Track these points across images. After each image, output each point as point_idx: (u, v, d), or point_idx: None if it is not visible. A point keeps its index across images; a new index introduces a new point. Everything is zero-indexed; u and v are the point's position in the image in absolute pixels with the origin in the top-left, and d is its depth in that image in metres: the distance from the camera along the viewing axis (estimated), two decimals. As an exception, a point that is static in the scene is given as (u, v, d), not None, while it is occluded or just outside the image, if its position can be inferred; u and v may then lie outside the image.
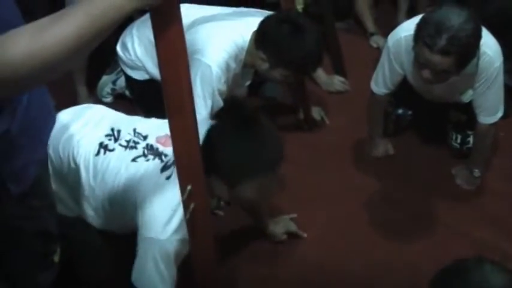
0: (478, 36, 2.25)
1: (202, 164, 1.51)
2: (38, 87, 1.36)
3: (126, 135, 1.96)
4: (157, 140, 1.93)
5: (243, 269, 2.43)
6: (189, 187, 1.48)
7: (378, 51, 3.53)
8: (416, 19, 2.40)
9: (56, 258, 1.64)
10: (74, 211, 1.99)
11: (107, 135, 1.97)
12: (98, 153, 1.92)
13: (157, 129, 1.96)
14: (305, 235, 2.55)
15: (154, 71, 2.47)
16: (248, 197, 1.88)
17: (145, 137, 1.95)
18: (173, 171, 1.80)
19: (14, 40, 1.02)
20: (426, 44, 2.20)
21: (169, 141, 1.85)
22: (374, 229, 2.60)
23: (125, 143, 1.94)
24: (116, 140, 1.95)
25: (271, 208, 2.58)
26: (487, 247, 2.46)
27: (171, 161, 1.83)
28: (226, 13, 2.54)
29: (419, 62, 2.31)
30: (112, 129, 1.98)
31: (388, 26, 3.09)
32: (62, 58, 1.04)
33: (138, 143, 1.93)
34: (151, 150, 1.90)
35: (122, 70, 2.72)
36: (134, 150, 1.91)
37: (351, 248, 2.50)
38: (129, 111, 2.31)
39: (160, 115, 1.72)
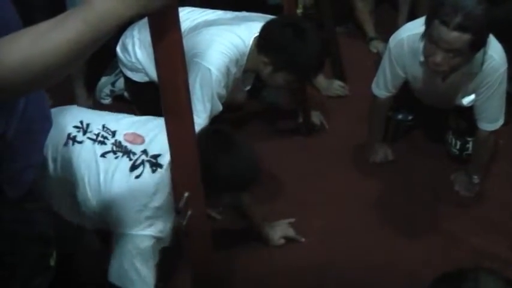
0: (488, 22, 2.25)
1: (199, 170, 1.50)
2: (36, 92, 1.35)
3: (94, 129, 1.98)
4: (125, 137, 1.96)
5: (241, 274, 2.42)
6: (186, 194, 1.47)
7: (378, 55, 3.52)
8: (418, 21, 2.40)
9: (52, 262, 1.63)
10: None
11: (75, 127, 1.99)
12: (66, 144, 1.94)
13: (126, 126, 2.01)
14: (303, 239, 2.55)
15: (155, 75, 2.46)
16: (225, 202, 2.03)
17: (113, 133, 1.98)
18: (143, 170, 1.87)
19: (13, 44, 1.01)
20: (443, 21, 2.19)
21: (138, 139, 1.94)
22: (372, 235, 2.59)
23: (93, 136, 1.96)
24: (84, 132, 1.98)
25: (268, 212, 2.58)
26: (486, 254, 2.46)
27: (139, 161, 1.89)
28: (228, 17, 2.54)
29: (430, 47, 2.29)
30: (81, 122, 2.00)
31: (388, 30, 3.07)
32: (60, 63, 1.04)
33: (106, 138, 1.96)
34: (120, 148, 1.93)
35: (121, 72, 2.72)
36: (103, 145, 1.94)
37: (349, 253, 2.50)
38: (127, 113, 2.30)
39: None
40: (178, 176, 1.50)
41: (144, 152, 1.91)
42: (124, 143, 1.95)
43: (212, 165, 1.79)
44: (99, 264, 2.13)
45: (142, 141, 1.94)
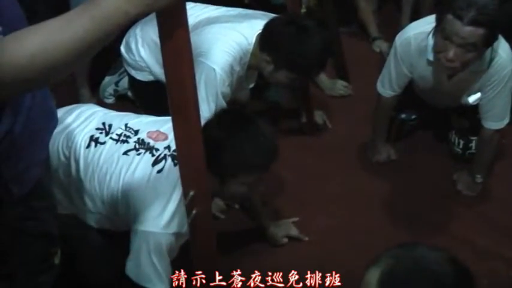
0: (502, 15, 2.26)
1: (205, 169, 1.50)
2: (41, 89, 1.36)
3: (117, 129, 1.99)
4: (149, 134, 1.96)
5: (244, 272, 2.42)
6: (191, 192, 1.47)
7: (381, 55, 3.53)
8: (424, 19, 2.40)
9: (57, 260, 1.63)
10: (66, 207, 1.99)
11: (97, 129, 1.99)
12: (88, 146, 1.94)
13: (148, 125, 2.00)
14: (306, 238, 2.55)
15: (158, 71, 2.46)
16: (238, 192, 1.93)
17: (136, 132, 1.98)
18: (164, 164, 1.86)
19: (22, 42, 1.02)
20: (457, 15, 2.18)
21: (161, 136, 1.92)
22: (375, 234, 2.59)
23: (116, 137, 1.96)
24: (107, 133, 1.98)
25: (272, 211, 2.59)
26: (489, 253, 2.46)
27: (162, 155, 1.88)
28: (231, 14, 2.53)
29: (443, 42, 2.27)
30: (103, 123, 2.01)
31: (391, 30, 3.08)
32: (67, 60, 1.05)
33: (129, 137, 1.96)
34: (143, 145, 1.93)
35: (126, 71, 2.72)
36: (126, 144, 1.94)
37: (352, 252, 2.49)
38: (131, 112, 2.31)
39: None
40: (184, 174, 1.50)
41: (168, 147, 1.91)
42: (147, 140, 1.94)
43: (227, 143, 1.78)
44: (104, 263, 2.14)
45: (166, 138, 1.94)
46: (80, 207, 1.99)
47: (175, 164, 1.84)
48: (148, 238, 1.80)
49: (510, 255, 2.47)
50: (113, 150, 1.93)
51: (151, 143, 1.93)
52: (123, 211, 1.89)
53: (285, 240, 2.53)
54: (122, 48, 2.63)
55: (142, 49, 2.54)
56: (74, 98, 3.08)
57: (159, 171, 1.85)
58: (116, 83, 3.24)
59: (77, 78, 3.15)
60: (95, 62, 3.07)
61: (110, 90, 3.26)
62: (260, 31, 2.41)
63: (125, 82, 3.16)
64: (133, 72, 2.63)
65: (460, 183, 2.81)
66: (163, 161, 1.87)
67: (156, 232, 1.80)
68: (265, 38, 2.39)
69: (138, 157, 1.90)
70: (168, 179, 1.82)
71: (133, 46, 2.57)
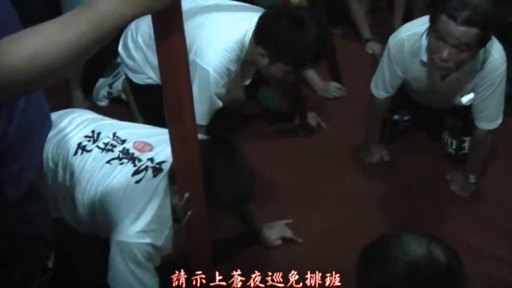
0: (496, 15, 2.26)
1: (200, 170, 1.50)
2: (35, 92, 1.36)
3: (105, 138, 1.99)
4: (135, 145, 1.96)
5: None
6: (186, 194, 1.47)
7: (374, 57, 3.54)
8: (418, 20, 2.41)
9: (50, 264, 1.63)
10: (54, 212, 1.99)
11: (86, 136, 2.00)
12: (75, 153, 1.95)
13: (136, 135, 2.00)
14: (300, 240, 2.55)
15: (153, 75, 2.46)
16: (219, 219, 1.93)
17: (123, 141, 1.98)
18: (144, 175, 1.85)
19: (18, 44, 1.02)
20: (451, 15, 2.19)
21: (147, 147, 1.92)
22: (369, 235, 2.55)
23: (102, 145, 1.96)
24: (94, 141, 1.98)
25: (266, 213, 2.58)
26: (483, 254, 2.47)
27: (143, 166, 1.87)
28: (228, 4, 2.51)
29: (437, 43, 2.28)
30: (93, 131, 2.01)
31: (383, 32, 3.09)
32: (65, 62, 1.05)
33: (115, 146, 1.96)
34: (127, 155, 1.92)
35: (125, 74, 2.71)
36: (110, 152, 1.94)
37: (346, 253, 2.47)
38: (125, 115, 2.32)
39: (159, 121, 1.71)
40: (179, 176, 1.50)
41: (151, 159, 1.90)
42: (132, 151, 1.94)
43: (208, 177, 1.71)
44: (98, 268, 2.13)
45: (151, 150, 1.93)
46: (66, 213, 2.00)
47: (154, 176, 1.84)
48: (121, 248, 1.80)
49: (504, 255, 2.48)
50: (98, 158, 1.93)
51: (136, 153, 1.92)
52: (101, 220, 1.90)
53: (279, 242, 2.53)
54: (120, 50, 2.62)
55: (136, 54, 2.54)
56: (67, 101, 3.07)
57: (137, 182, 1.84)
58: (110, 86, 3.23)
59: (70, 81, 3.14)
60: (88, 64, 3.08)
61: (104, 92, 3.25)
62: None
63: (118, 84, 3.16)
64: (130, 74, 2.62)
65: (454, 184, 2.81)
66: (144, 172, 1.86)
67: (128, 242, 1.79)
68: (259, 31, 2.37)
69: (120, 166, 1.89)
70: (144, 190, 1.82)
71: (130, 48, 2.56)
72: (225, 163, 1.82)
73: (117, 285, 1.85)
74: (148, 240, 1.80)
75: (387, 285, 1.39)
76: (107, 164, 1.91)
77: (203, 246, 1.68)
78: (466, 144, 2.82)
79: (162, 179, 1.83)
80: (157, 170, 1.86)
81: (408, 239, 1.41)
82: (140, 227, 1.79)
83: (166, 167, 1.84)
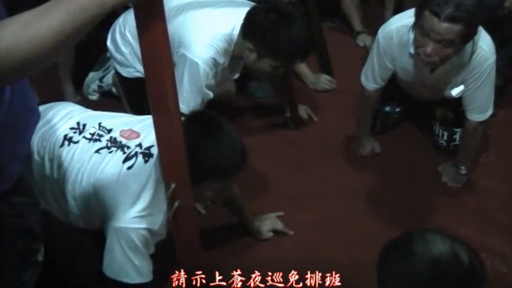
0: (482, 12, 2.26)
1: (186, 161, 1.50)
2: (19, 81, 1.35)
3: (90, 129, 2.00)
4: (121, 133, 1.97)
5: (228, 267, 2.41)
6: (173, 185, 1.48)
7: (365, 49, 3.54)
8: (407, 12, 2.40)
9: (40, 257, 1.62)
10: (42, 205, 1.99)
11: (71, 128, 2.00)
12: (62, 145, 1.95)
13: (121, 124, 2.01)
14: (291, 233, 2.55)
15: (140, 67, 2.45)
16: (205, 196, 1.97)
17: (109, 131, 1.99)
18: (135, 161, 1.87)
19: None
20: (434, 12, 2.18)
21: (133, 135, 1.94)
22: (361, 227, 2.59)
23: (89, 136, 1.97)
24: (80, 132, 1.99)
25: (257, 206, 2.58)
26: (474, 244, 2.42)
27: (133, 153, 1.89)
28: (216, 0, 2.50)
29: (421, 38, 2.28)
30: (78, 123, 2.02)
31: (374, 24, 3.08)
32: (44, 52, 1.05)
33: (102, 135, 1.97)
34: (115, 143, 1.94)
35: (114, 68, 2.70)
36: (98, 142, 1.95)
37: (337, 246, 2.50)
38: (115, 109, 2.31)
39: (149, 114, 1.72)
40: (165, 167, 1.50)
41: (139, 145, 1.92)
42: (119, 139, 1.95)
43: (194, 149, 1.74)
44: (91, 260, 2.13)
45: (138, 137, 1.95)
46: (53, 206, 2.00)
47: (145, 161, 1.86)
48: (119, 234, 1.82)
49: (495, 245, 2.49)
50: (86, 149, 1.94)
51: (124, 141, 1.94)
52: (95, 209, 1.91)
53: (270, 234, 2.53)
54: (109, 44, 2.62)
55: (123, 47, 2.54)
56: (58, 95, 3.06)
57: (129, 168, 1.86)
58: (100, 79, 3.22)
59: (61, 75, 3.13)
60: (79, 58, 3.08)
61: (94, 86, 3.24)
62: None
63: (109, 78, 3.15)
64: (118, 68, 2.62)
65: (445, 175, 2.82)
66: (134, 158, 1.88)
67: (126, 227, 1.81)
68: (247, 26, 2.36)
69: (109, 155, 1.91)
70: (138, 175, 1.84)
71: (118, 41, 2.56)
72: (206, 132, 1.85)
73: (114, 272, 1.87)
74: (144, 225, 1.82)
75: (409, 280, 1.40)
76: (96, 154, 1.92)
77: (191, 236, 1.68)
78: (457, 136, 2.83)
79: (154, 163, 1.84)
80: (147, 155, 1.88)
81: (432, 237, 1.42)
82: (136, 212, 1.81)
83: (155, 151, 1.85)
